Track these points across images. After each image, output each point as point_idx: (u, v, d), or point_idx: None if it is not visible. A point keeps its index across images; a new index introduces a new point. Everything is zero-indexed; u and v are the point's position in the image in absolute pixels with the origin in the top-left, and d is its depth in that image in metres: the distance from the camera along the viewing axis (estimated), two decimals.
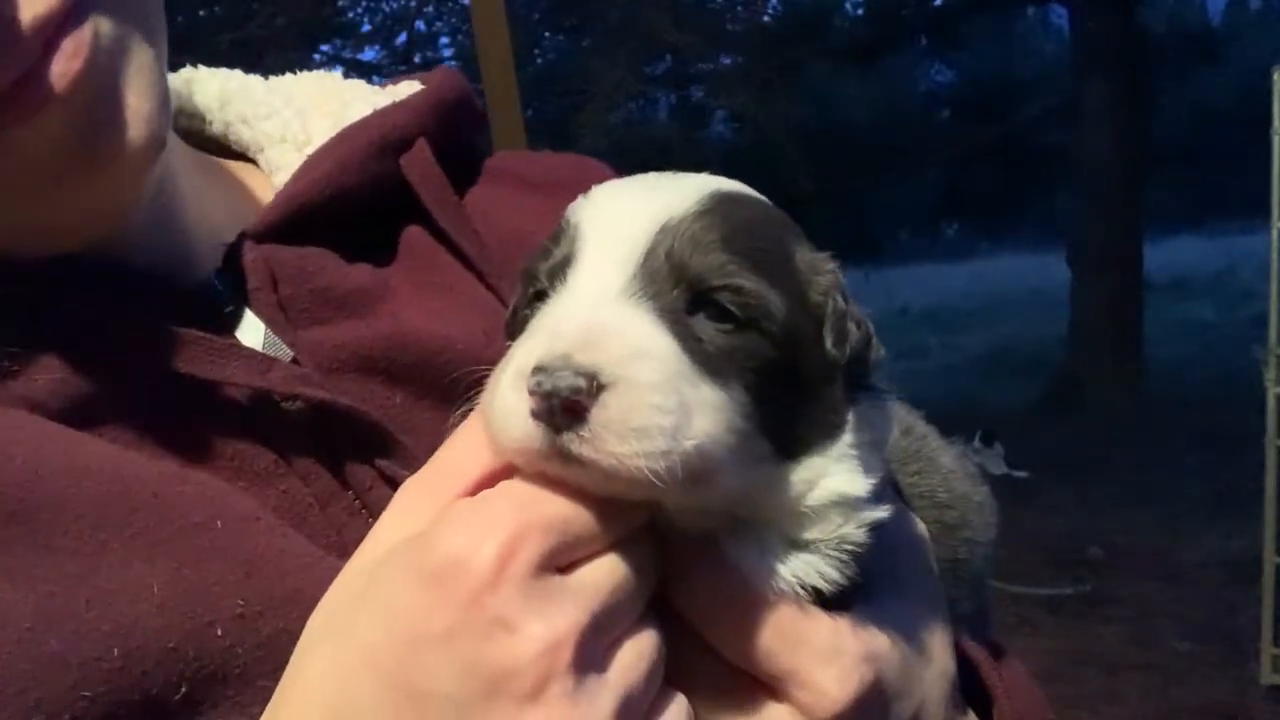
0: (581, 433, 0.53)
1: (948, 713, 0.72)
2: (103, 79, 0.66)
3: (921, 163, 19.25)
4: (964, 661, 0.78)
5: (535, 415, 0.53)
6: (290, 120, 0.92)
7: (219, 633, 0.61)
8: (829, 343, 0.61)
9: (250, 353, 0.73)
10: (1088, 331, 11.63)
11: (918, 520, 0.77)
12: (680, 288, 0.58)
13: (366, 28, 14.93)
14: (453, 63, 15.03)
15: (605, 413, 0.53)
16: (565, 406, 0.53)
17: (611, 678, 0.56)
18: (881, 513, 0.63)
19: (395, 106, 0.92)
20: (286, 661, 0.60)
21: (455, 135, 0.95)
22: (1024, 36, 27.99)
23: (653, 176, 0.67)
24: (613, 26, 13.22)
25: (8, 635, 0.56)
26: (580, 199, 0.66)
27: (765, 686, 0.62)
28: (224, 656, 0.61)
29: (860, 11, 18.13)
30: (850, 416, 0.63)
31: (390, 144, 0.88)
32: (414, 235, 0.89)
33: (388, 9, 15.18)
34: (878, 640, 0.65)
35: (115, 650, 0.58)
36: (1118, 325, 11.50)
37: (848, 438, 0.62)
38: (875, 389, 0.66)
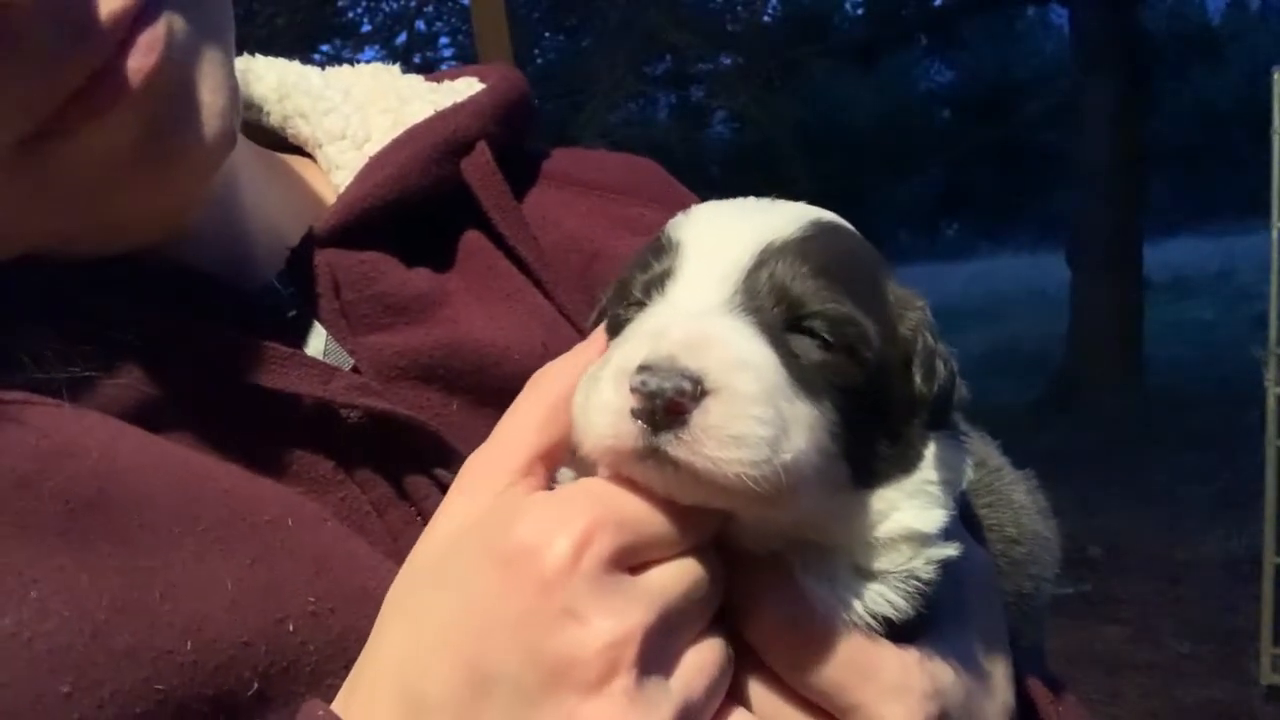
0: (681, 435, 0.54)
1: None
2: (177, 75, 0.66)
3: (921, 163, 19.26)
4: (1021, 697, 0.77)
5: (636, 414, 0.54)
6: (350, 116, 0.92)
7: (291, 629, 0.62)
8: (918, 378, 0.62)
9: (312, 362, 0.73)
10: (1088, 331, 11.62)
11: (986, 554, 0.77)
12: (780, 307, 0.59)
13: (366, 28, 14.93)
14: (453, 63, 15.03)
15: (707, 417, 0.53)
16: (669, 407, 0.53)
17: (674, 684, 0.56)
18: (951, 550, 0.63)
19: (458, 108, 0.91)
20: (355, 659, 0.60)
21: (516, 137, 0.94)
22: (1024, 36, 27.96)
23: (753, 201, 0.68)
24: (613, 26, 13.21)
25: (84, 627, 0.57)
26: (680, 216, 0.67)
27: (829, 716, 0.62)
28: (296, 653, 0.61)
29: (860, 11, 18.16)
30: (928, 453, 0.63)
31: (454, 147, 0.87)
32: (473, 240, 0.89)
33: (388, 9, 15.18)
34: (943, 675, 0.65)
35: (189, 644, 0.58)
36: (1118, 325, 11.49)
37: (923, 474, 0.63)
38: (955, 428, 0.66)
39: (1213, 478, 7.97)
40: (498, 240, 0.88)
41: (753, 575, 0.61)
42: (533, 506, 0.57)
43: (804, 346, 0.59)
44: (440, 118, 0.89)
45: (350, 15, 14.61)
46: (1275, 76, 4.75)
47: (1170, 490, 8.06)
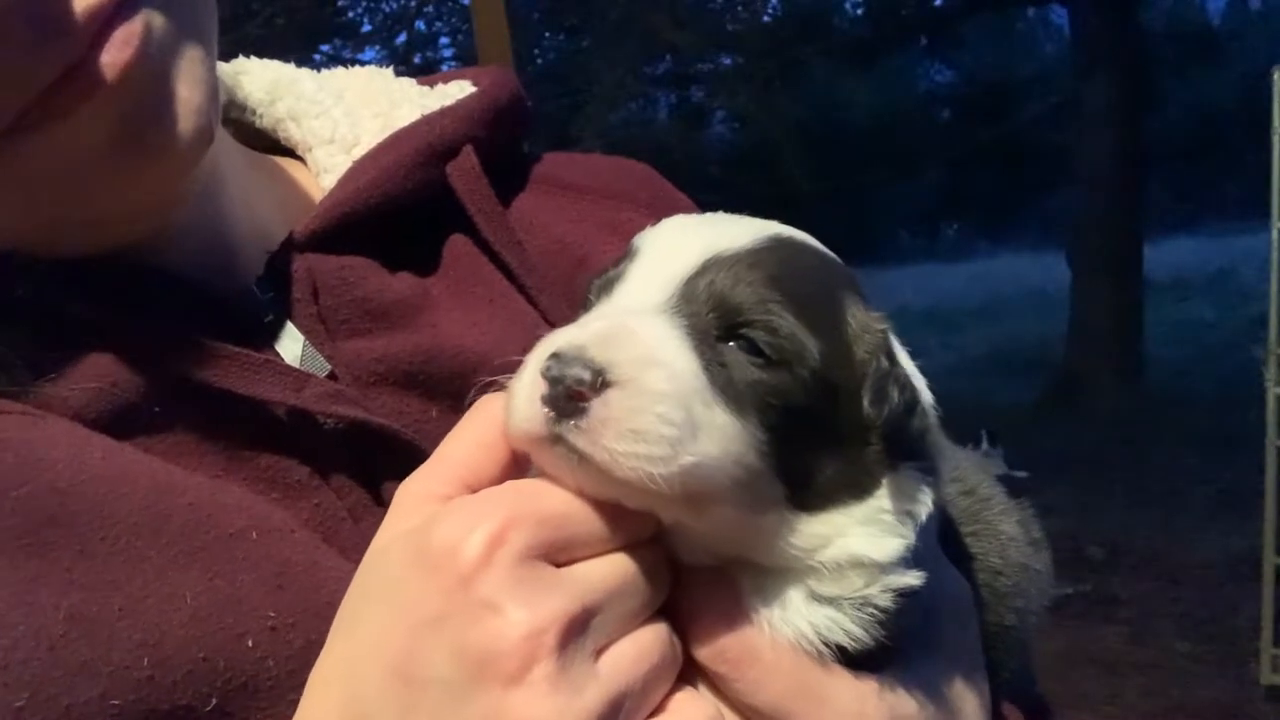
0: (581, 424, 0.54)
1: None
2: (153, 70, 0.66)
3: (921, 163, 19.25)
4: None
5: (544, 400, 0.55)
6: (339, 120, 0.91)
7: (250, 644, 0.61)
8: (865, 402, 0.60)
9: (286, 369, 0.73)
10: (1088, 331, 11.62)
11: (965, 583, 0.75)
12: (715, 314, 0.58)
13: (367, 28, 14.93)
14: (453, 63, 15.02)
15: (607, 409, 0.54)
16: (570, 395, 0.54)
17: (604, 671, 0.55)
18: (911, 579, 0.62)
19: (444, 112, 0.90)
20: None
21: (505, 141, 0.93)
22: (1024, 36, 27.96)
23: (722, 215, 0.68)
24: (613, 26, 13.21)
25: (41, 642, 0.56)
26: (649, 227, 0.67)
27: None
28: (255, 668, 0.61)
29: (860, 11, 18.14)
30: (886, 481, 0.62)
31: (438, 151, 0.87)
32: (458, 245, 0.88)
33: (388, 9, 15.17)
34: (904, 706, 0.64)
35: (146, 660, 0.58)
36: (1118, 325, 11.49)
37: (878, 502, 0.61)
38: (924, 460, 0.63)
39: (1213, 478, 7.97)
40: (484, 245, 0.88)
41: (700, 590, 0.60)
42: (453, 509, 0.57)
43: (738, 358, 0.58)
44: (426, 122, 0.89)
45: (350, 15, 14.61)
46: (1275, 76, 4.75)
47: (1170, 490, 8.06)
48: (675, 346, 0.57)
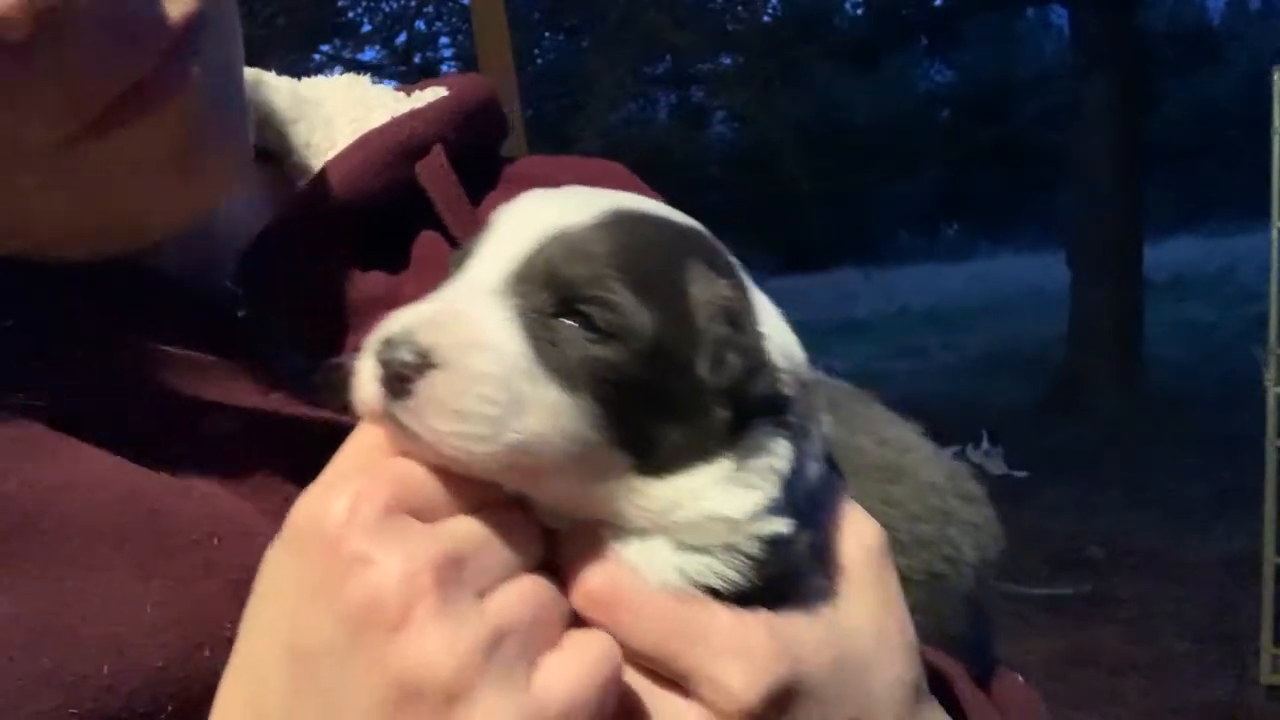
0: (409, 404, 0.57)
1: None
2: (212, 92, 0.68)
3: (921, 163, 19.26)
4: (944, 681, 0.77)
5: (379, 380, 0.58)
6: (316, 126, 0.93)
7: (207, 654, 0.62)
8: (703, 368, 0.61)
9: (254, 371, 0.73)
10: (1088, 331, 11.62)
11: (874, 527, 0.74)
12: (549, 292, 0.60)
13: (367, 28, 14.92)
14: (453, 63, 15.03)
15: (432, 390, 0.56)
16: (397, 376, 0.57)
17: (487, 608, 0.55)
18: (778, 527, 0.62)
19: (414, 114, 0.91)
20: None
21: (475, 141, 0.94)
22: (1024, 36, 27.96)
23: (573, 190, 0.68)
24: (613, 26, 13.20)
25: (2, 651, 0.57)
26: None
27: (675, 685, 0.61)
28: (212, 679, 0.60)
29: (860, 11, 18.15)
30: (744, 442, 0.63)
31: (408, 150, 0.88)
32: (429, 242, 0.89)
33: (388, 9, 15.17)
34: (799, 639, 0.63)
35: (106, 668, 0.59)
36: (1118, 325, 11.49)
37: (730, 463, 0.62)
38: (783, 419, 0.64)
39: (1213, 478, 7.98)
40: (453, 242, 0.88)
41: (572, 544, 0.61)
42: (309, 490, 0.57)
43: (572, 334, 0.59)
44: (395, 122, 0.90)
45: (350, 15, 14.61)
46: (1275, 76, 4.75)
47: (1170, 490, 8.06)
48: (502, 327, 0.59)
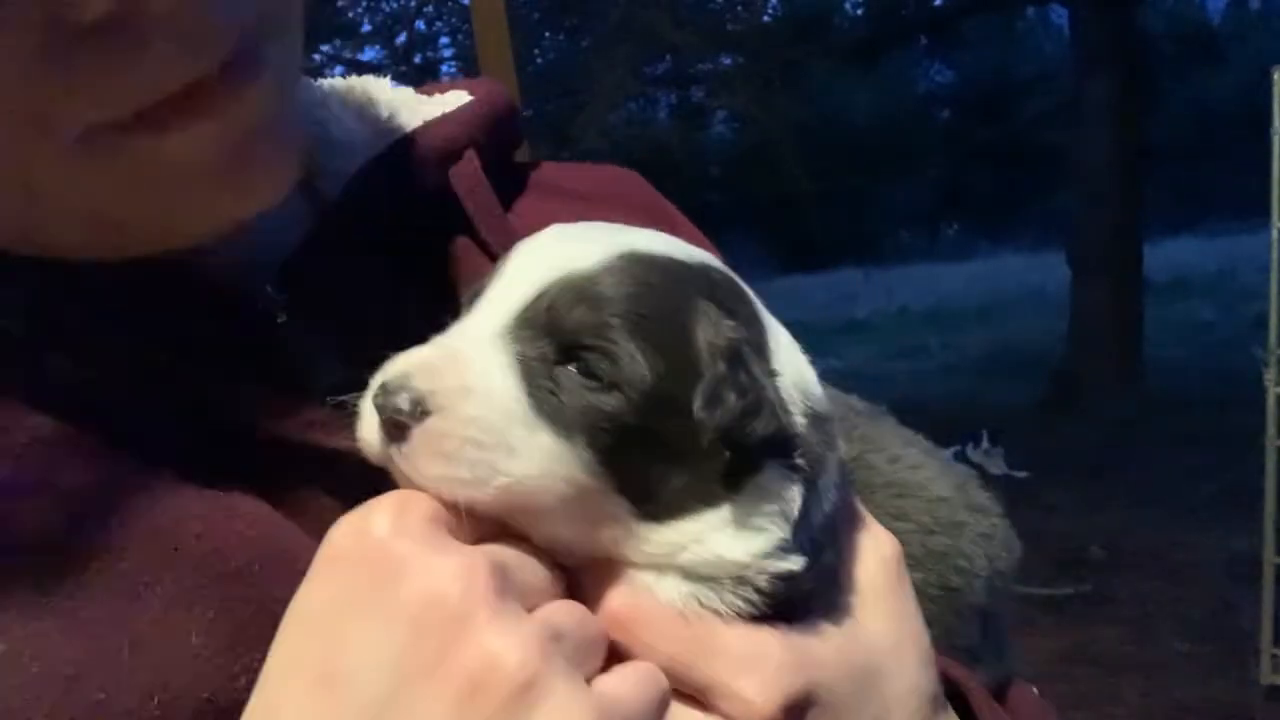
0: (403, 448, 0.58)
1: None
2: (271, 105, 0.67)
3: (921, 163, 19.29)
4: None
5: (379, 424, 0.59)
6: (334, 127, 0.92)
7: (244, 684, 0.61)
8: (696, 405, 0.60)
9: (294, 391, 0.72)
10: (1088, 331, 11.61)
11: (889, 538, 0.74)
12: (550, 338, 0.60)
13: (366, 28, 14.92)
14: (453, 63, 15.03)
15: (425, 435, 0.58)
16: (392, 422, 0.58)
17: (537, 615, 0.56)
18: (790, 565, 0.63)
19: (446, 118, 0.91)
20: None
21: (504, 148, 0.95)
22: (1024, 36, 27.91)
23: (586, 227, 0.68)
24: (613, 26, 13.20)
25: (55, 681, 0.56)
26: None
27: (694, 700, 0.62)
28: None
29: (860, 11, 18.15)
30: (748, 485, 0.62)
31: (441, 155, 0.88)
32: (462, 247, 0.89)
33: (388, 9, 15.17)
34: (814, 650, 0.64)
35: (155, 700, 0.58)
36: (1118, 325, 11.49)
37: (736, 507, 0.62)
38: (790, 460, 0.64)
39: (1213, 478, 7.97)
40: (483, 246, 0.88)
41: (588, 572, 0.63)
42: (345, 517, 0.57)
43: (570, 380, 0.59)
44: (428, 127, 0.90)
45: (350, 15, 14.60)
46: (1275, 76, 4.75)
47: (1170, 490, 8.06)
48: (499, 372, 0.60)
